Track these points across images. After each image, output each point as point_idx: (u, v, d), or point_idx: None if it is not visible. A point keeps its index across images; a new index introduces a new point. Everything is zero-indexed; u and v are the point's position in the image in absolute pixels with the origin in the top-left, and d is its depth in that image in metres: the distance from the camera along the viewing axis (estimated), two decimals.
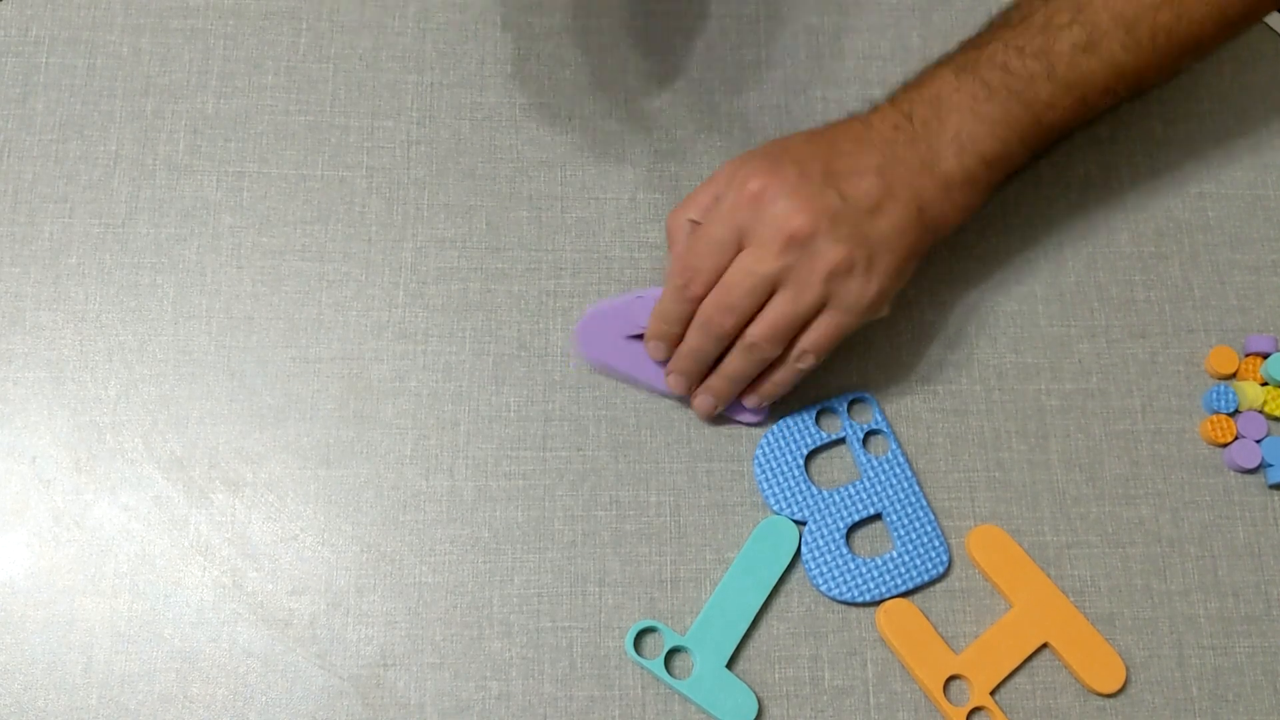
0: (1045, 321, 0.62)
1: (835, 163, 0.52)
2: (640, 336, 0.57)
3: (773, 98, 0.65)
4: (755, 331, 0.53)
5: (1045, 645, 0.56)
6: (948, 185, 0.53)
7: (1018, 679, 0.56)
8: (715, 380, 0.56)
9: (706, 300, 0.53)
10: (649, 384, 0.58)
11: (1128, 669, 0.56)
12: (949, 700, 0.54)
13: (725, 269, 0.52)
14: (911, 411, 0.60)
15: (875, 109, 0.55)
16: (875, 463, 0.58)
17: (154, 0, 0.65)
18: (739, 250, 0.52)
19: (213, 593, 0.55)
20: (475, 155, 0.63)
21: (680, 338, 0.55)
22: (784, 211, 0.51)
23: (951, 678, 0.55)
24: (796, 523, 0.57)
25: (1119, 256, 0.63)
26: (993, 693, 0.55)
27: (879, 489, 0.57)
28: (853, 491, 0.57)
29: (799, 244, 0.51)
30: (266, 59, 0.64)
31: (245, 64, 0.64)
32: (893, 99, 0.55)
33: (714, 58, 0.66)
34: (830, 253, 0.51)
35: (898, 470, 0.58)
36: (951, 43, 0.66)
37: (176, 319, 0.59)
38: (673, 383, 0.57)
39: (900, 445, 0.59)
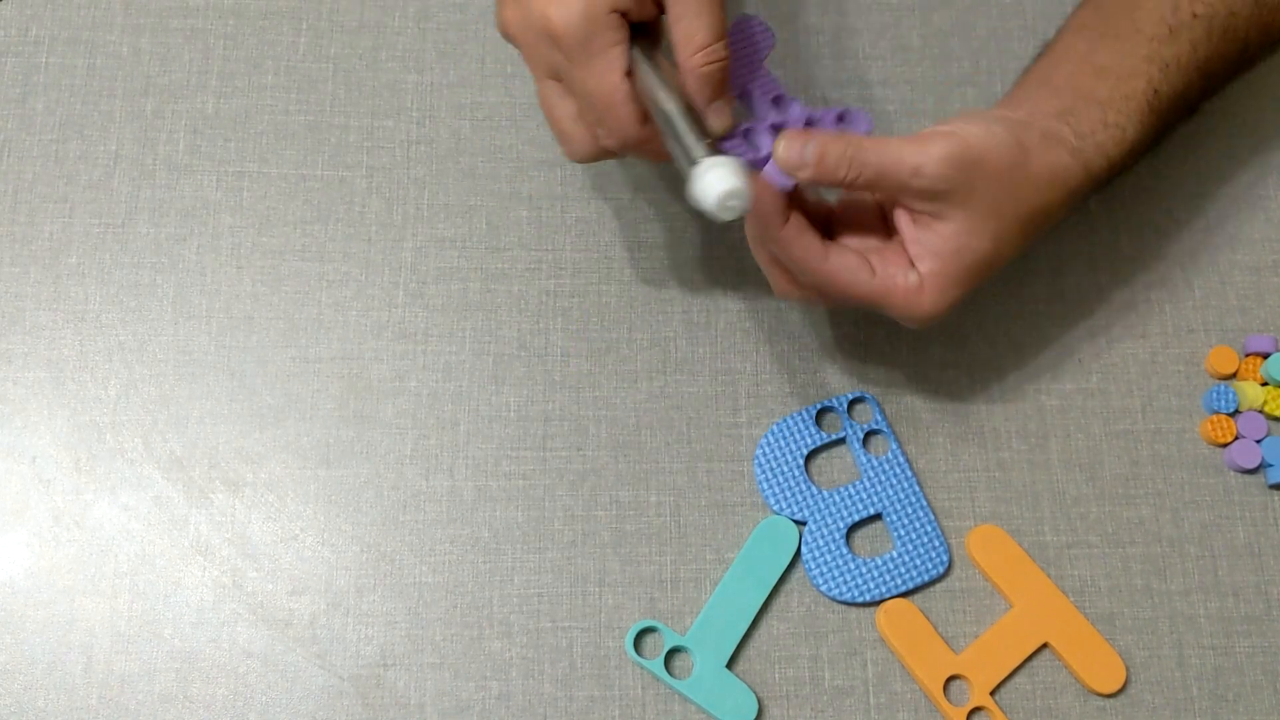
0: (1045, 321, 0.62)
1: (1022, 244, 0.51)
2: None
3: None
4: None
5: (1045, 645, 0.56)
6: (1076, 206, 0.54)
7: (1018, 679, 0.56)
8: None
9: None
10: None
11: (1128, 669, 0.56)
12: (949, 700, 0.54)
13: None
14: (911, 411, 0.60)
15: (1061, 143, 0.51)
16: (875, 463, 0.58)
17: (154, 0, 0.65)
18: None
19: (213, 593, 0.55)
20: (475, 155, 0.63)
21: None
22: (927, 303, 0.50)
23: (951, 678, 0.55)
24: (796, 523, 0.57)
25: (1119, 256, 0.63)
26: (993, 693, 0.55)
27: (879, 489, 0.57)
28: (853, 491, 0.57)
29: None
30: (266, 59, 0.64)
31: (245, 64, 0.64)
32: (1080, 136, 0.51)
33: None
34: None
35: (898, 470, 0.58)
36: (950, 42, 0.66)
37: (176, 319, 0.59)
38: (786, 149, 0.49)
39: (900, 445, 0.59)
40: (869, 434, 0.59)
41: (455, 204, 0.62)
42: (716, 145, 0.46)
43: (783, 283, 0.52)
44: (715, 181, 0.44)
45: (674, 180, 0.63)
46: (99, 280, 0.60)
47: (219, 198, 0.62)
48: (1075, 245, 0.63)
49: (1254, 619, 0.57)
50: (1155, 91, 0.52)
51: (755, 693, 0.54)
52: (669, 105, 0.47)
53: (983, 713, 0.55)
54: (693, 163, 0.45)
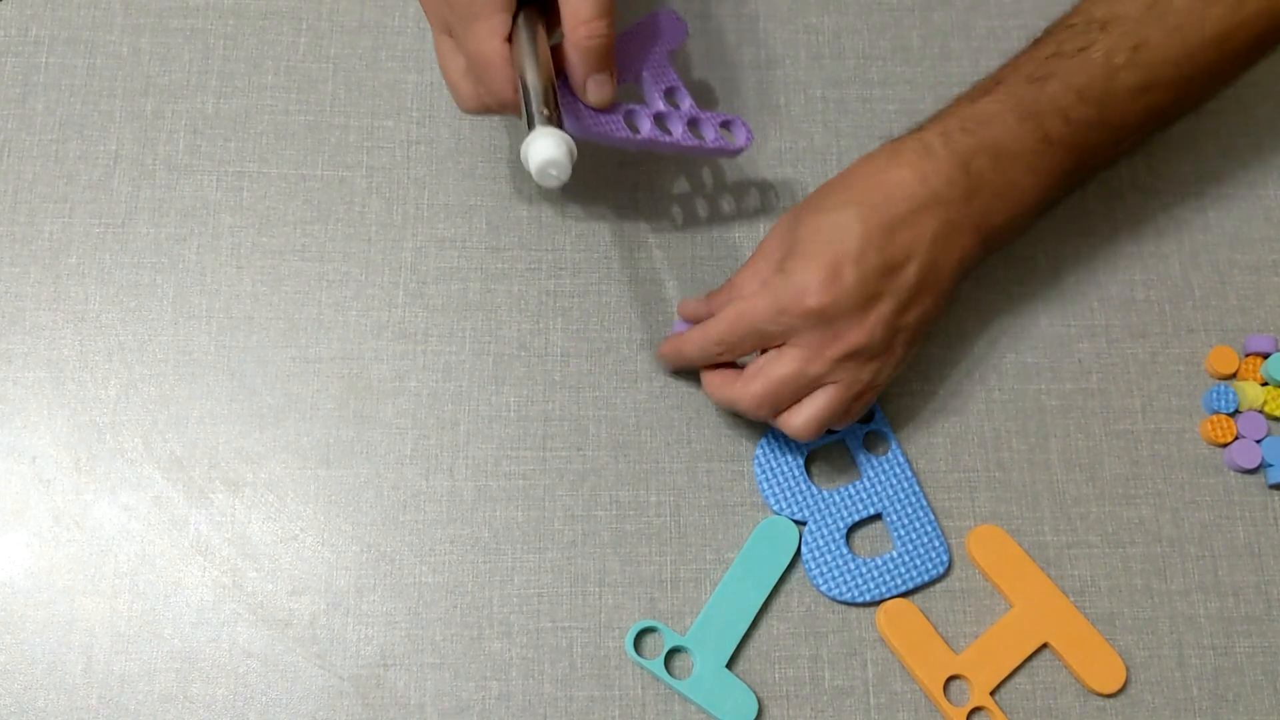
0: (1045, 321, 0.62)
1: (891, 250, 0.50)
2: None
3: (773, 98, 0.65)
4: (792, 418, 0.53)
5: (1045, 645, 0.56)
6: (988, 241, 0.53)
7: (1018, 679, 0.56)
8: (711, 384, 0.56)
9: (748, 368, 0.53)
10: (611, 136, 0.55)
11: (1128, 669, 0.56)
12: (949, 700, 0.54)
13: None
14: (911, 411, 0.60)
15: (929, 149, 0.52)
16: (875, 463, 0.58)
17: (154, 0, 0.65)
18: (778, 343, 0.52)
19: (213, 593, 0.55)
20: (475, 155, 0.63)
21: (681, 368, 0.58)
22: (845, 328, 0.50)
23: (951, 678, 0.55)
24: (796, 523, 0.57)
25: (1119, 256, 0.63)
26: (993, 693, 0.55)
27: (879, 489, 0.57)
28: (853, 491, 0.57)
29: (855, 356, 0.51)
30: (266, 59, 0.64)
31: (245, 64, 0.64)
32: (948, 137, 0.52)
33: (714, 58, 0.66)
34: (881, 354, 0.52)
35: (898, 470, 0.58)
36: (950, 42, 0.66)
37: (176, 319, 0.59)
38: (663, 352, 0.58)
39: (900, 445, 0.59)
40: (869, 434, 0.59)
41: (455, 204, 0.62)
42: (559, 120, 0.49)
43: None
44: (540, 150, 0.47)
45: (674, 180, 0.63)
46: (99, 280, 0.60)
47: (219, 198, 0.62)
48: (1075, 245, 0.63)
49: (1254, 619, 0.57)
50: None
51: (755, 693, 0.54)
52: (527, 75, 0.49)
53: (983, 713, 0.55)
54: (529, 129, 0.48)
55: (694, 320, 0.57)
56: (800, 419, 0.52)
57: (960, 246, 0.52)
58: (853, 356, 0.51)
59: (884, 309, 0.51)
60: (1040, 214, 0.55)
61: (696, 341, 0.55)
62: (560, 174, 0.48)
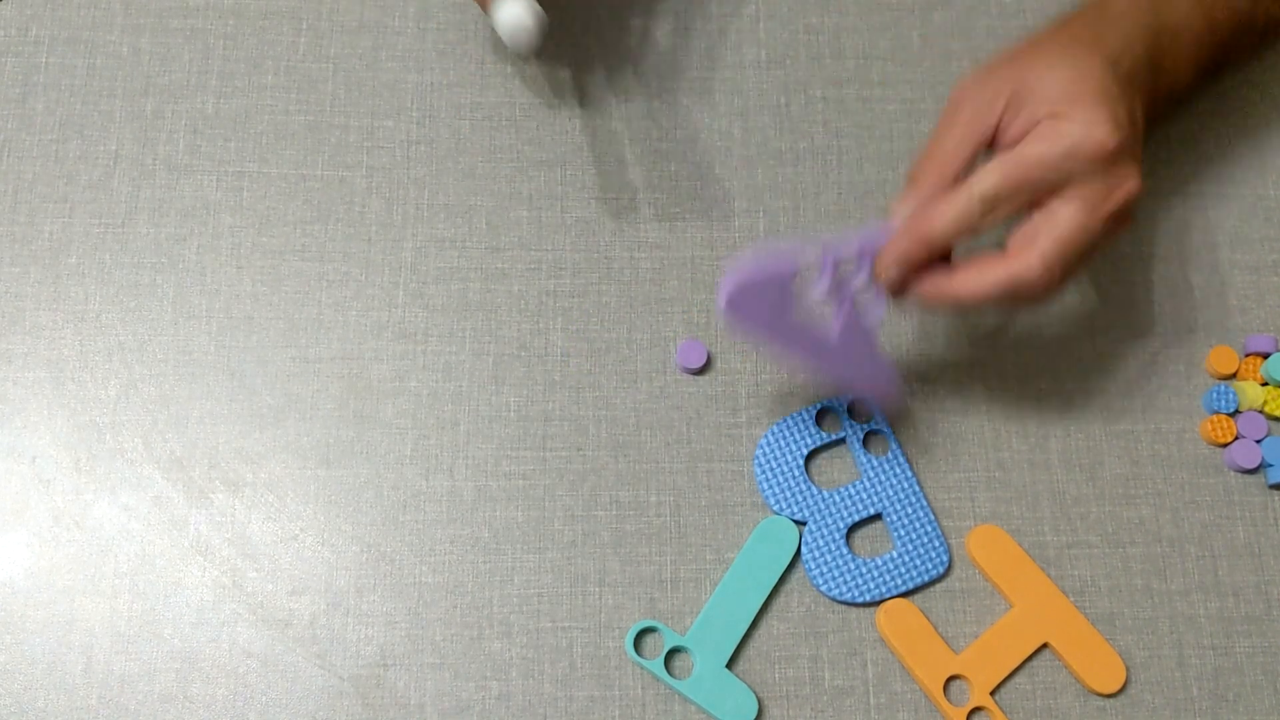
0: (1045, 321, 0.62)
1: (1133, 102, 0.49)
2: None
3: (773, 98, 0.65)
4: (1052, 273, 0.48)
5: (1045, 645, 0.56)
6: (1154, 120, 0.53)
7: (1018, 679, 0.56)
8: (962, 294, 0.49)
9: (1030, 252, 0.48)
10: (799, 356, 0.52)
11: (1128, 669, 0.56)
12: (949, 700, 0.54)
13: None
14: (911, 411, 0.60)
15: (1124, 16, 0.51)
16: (875, 463, 0.58)
17: (154, 0, 0.65)
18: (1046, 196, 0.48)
19: (213, 593, 0.55)
20: (475, 155, 0.63)
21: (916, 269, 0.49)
22: (1128, 175, 0.48)
23: (951, 678, 0.55)
24: (796, 523, 0.57)
25: (1119, 256, 0.63)
26: (993, 693, 0.55)
27: (879, 489, 0.57)
28: (853, 491, 0.57)
29: (1128, 209, 0.48)
30: (266, 59, 0.64)
31: (245, 64, 0.64)
32: (1137, 5, 0.52)
33: (714, 58, 0.66)
34: (1130, 218, 0.49)
35: (898, 470, 0.58)
36: (950, 42, 0.66)
37: (176, 319, 0.59)
38: (891, 264, 0.49)
39: (900, 445, 0.59)
40: (869, 434, 0.59)
41: (455, 204, 0.62)
42: None
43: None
44: (507, 14, 0.53)
45: (674, 180, 0.63)
46: (99, 280, 0.60)
47: (219, 198, 0.62)
48: None
49: (1254, 619, 0.57)
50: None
51: (755, 693, 0.54)
52: None
53: (983, 713, 0.55)
54: None
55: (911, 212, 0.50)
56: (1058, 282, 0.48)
57: (1147, 115, 0.51)
58: (1125, 212, 0.48)
59: (1138, 154, 0.49)
60: (1182, 102, 0.56)
61: (954, 205, 0.47)
62: (530, 38, 0.53)
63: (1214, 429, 0.59)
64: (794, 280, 0.50)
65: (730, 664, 0.55)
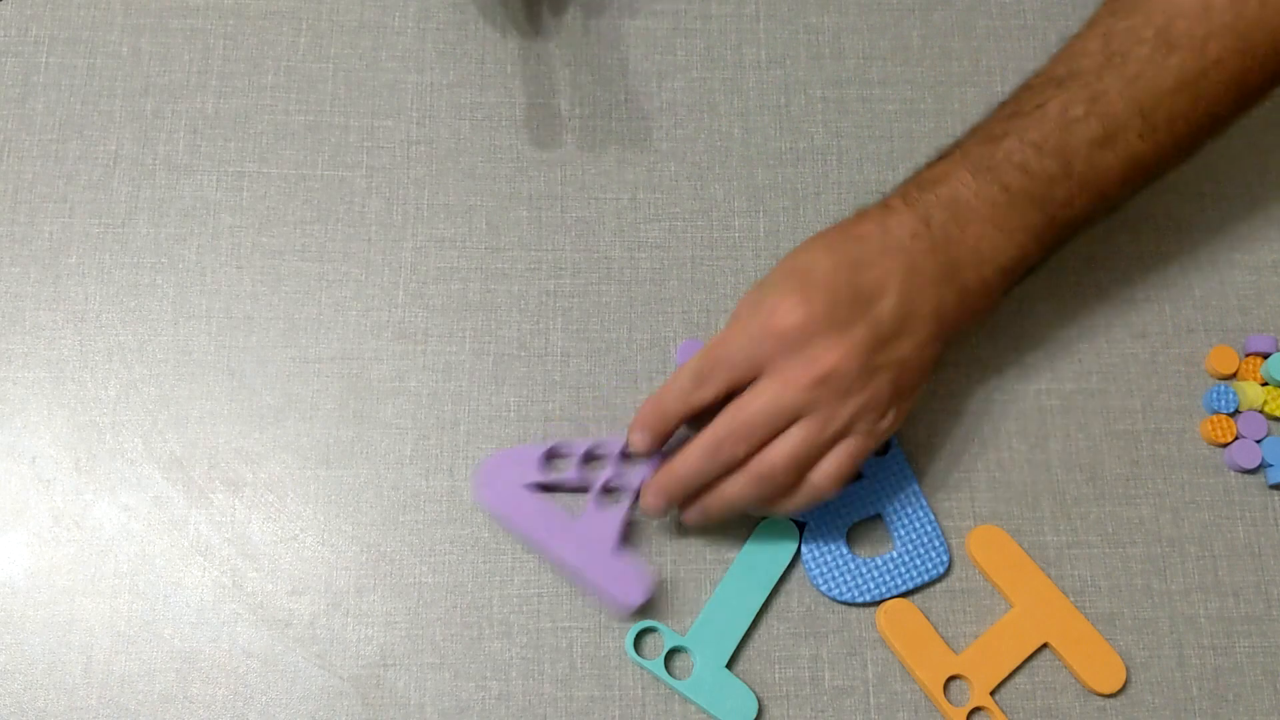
0: (1045, 321, 0.62)
1: (860, 282, 0.50)
2: (540, 486, 0.56)
3: (773, 98, 0.65)
4: (772, 459, 0.50)
5: (1045, 645, 0.56)
6: (964, 295, 0.52)
7: (1018, 679, 0.56)
8: (713, 501, 0.52)
9: (717, 422, 0.51)
10: (540, 544, 0.55)
11: (1128, 669, 0.56)
12: (949, 700, 0.54)
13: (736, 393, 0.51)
14: (912, 411, 0.60)
15: (890, 208, 0.52)
16: (875, 463, 0.58)
17: (154, 0, 0.65)
18: (754, 378, 0.50)
19: (213, 593, 0.55)
20: (475, 155, 0.63)
21: (665, 436, 0.53)
22: (818, 350, 0.49)
23: (951, 678, 0.55)
24: (796, 523, 0.57)
25: (1119, 256, 0.63)
26: (993, 693, 0.55)
27: (879, 489, 0.57)
28: (853, 491, 0.57)
29: (829, 381, 0.49)
30: (266, 59, 0.64)
31: (245, 64, 0.64)
32: (907, 196, 0.52)
33: (714, 58, 0.66)
34: (860, 389, 0.50)
35: (898, 470, 0.58)
36: (950, 42, 0.66)
37: (176, 319, 0.59)
38: (650, 500, 0.53)
39: (900, 445, 0.59)
40: None
41: (455, 204, 0.62)
42: None
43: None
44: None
45: (674, 180, 0.63)
46: (99, 280, 0.60)
47: (219, 198, 0.62)
48: (1075, 245, 0.63)
49: (1254, 619, 0.57)
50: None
51: (755, 693, 0.54)
52: None
53: (983, 713, 0.55)
54: None
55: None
56: (790, 482, 0.51)
57: (934, 295, 0.51)
58: (828, 383, 0.49)
59: (859, 336, 0.49)
60: (1022, 274, 0.54)
61: (672, 389, 0.51)
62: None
63: (1214, 429, 0.59)
64: (545, 463, 0.56)
65: (730, 664, 0.55)
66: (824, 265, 0.50)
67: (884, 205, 0.52)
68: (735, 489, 0.51)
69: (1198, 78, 0.51)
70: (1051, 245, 0.54)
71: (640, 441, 0.52)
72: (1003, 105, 0.54)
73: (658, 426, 0.52)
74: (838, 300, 0.49)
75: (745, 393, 0.50)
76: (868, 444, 0.51)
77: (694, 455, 0.51)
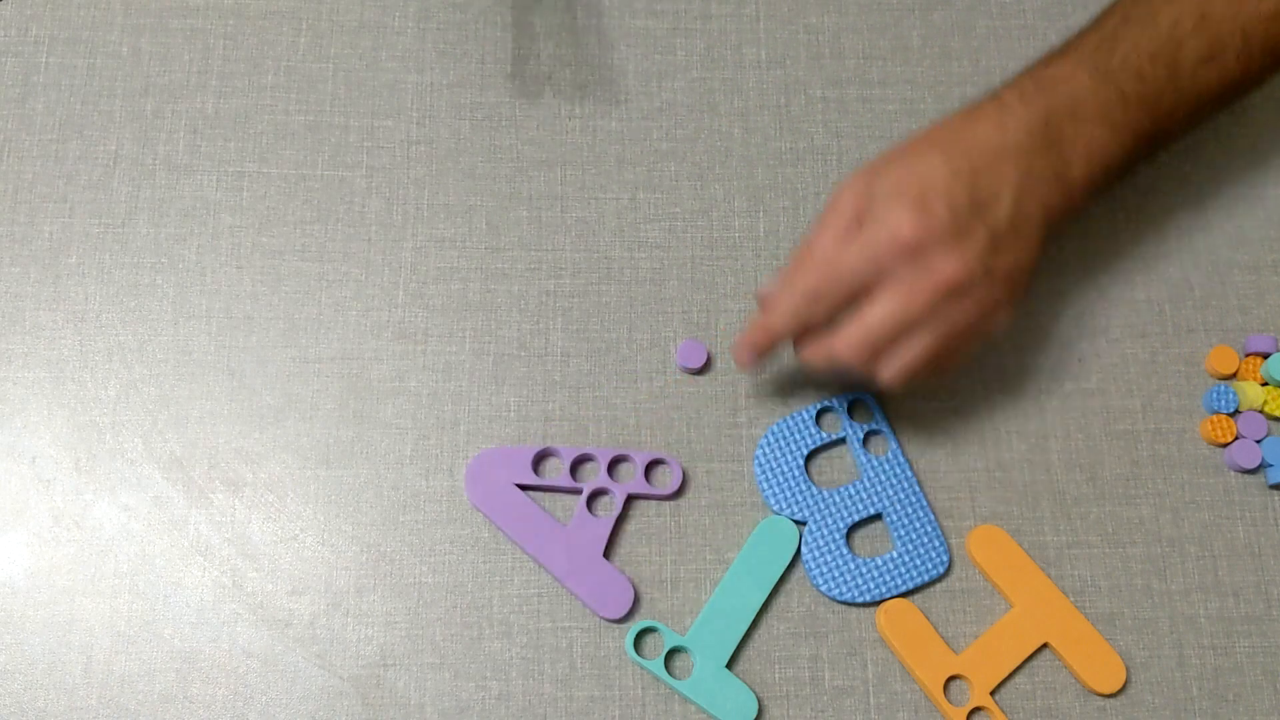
0: (1045, 321, 0.62)
1: (978, 188, 0.50)
2: (529, 487, 0.56)
3: (773, 98, 0.65)
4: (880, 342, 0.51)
5: (1045, 645, 0.56)
6: (1072, 193, 0.53)
7: (1018, 679, 0.56)
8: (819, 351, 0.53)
9: (842, 335, 0.51)
10: (525, 546, 0.56)
11: (1128, 669, 0.56)
12: (949, 700, 0.54)
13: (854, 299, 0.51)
14: (911, 411, 0.60)
15: (1006, 105, 0.52)
16: (875, 463, 0.58)
17: (154, 0, 0.65)
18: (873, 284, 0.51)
19: (213, 593, 0.55)
20: (475, 155, 0.63)
21: (771, 354, 0.54)
22: (938, 260, 0.50)
23: (951, 678, 0.55)
24: (796, 523, 0.57)
25: (1119, 256, 0.63)
26: (993, 693, 0.55)
27: (879, 489, 0.57)
28: (853, 491, 0.57)
29: (950, 290, 0.50)
30: (266, 59, 0.64)
31: (245, 64, 0.64)
32: (1024, 94, 0.53)
33: (714, 58, 0.66)
34: (977, 294, 0.51)
35: (898, 470, 0.58)
36: (950, 42, 0.66)
37: (176, 319, 0.59)
38: (743, 349, 0.54)
39: (900, 445, 0.59)
40: (869, 434, 0.59)
41: (455, 204, 0.62)
42: None
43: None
44: None
45: (674, 180, 0.63)
46: (99, 280, 0.60)
47: (219, 198, 0.62)
48: (1075, 245, 0.63)
49: (1254, 619, 0.57)
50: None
51: (755, 693, 0.54)
52: None
53: (983, 713, 0.55)
54: None
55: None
56: (893, 367, 0.52)
57: (1044, 195, 0.52)
58: (949, 293, 0.50)
59: (977, 243, 0.50)
60: (1121, 175, 0.55)
61: (784, 303, 0.52)
62: None
63: (1214, 429, 0.59)
64: (535, 465, 0.57)
65: (730, 664, 0.55)
66: (941, 174, 0.50)
67: (1000, 102, 0.53)
68: (837, 345, 0.52)
69: None
70: (1149, 152, 0.55)
71: (747, 360, 0.54)
72: (1108, 12, 0.55)
73: (767, 347, 0.54)
74: (956, 210, 0.50)
75: (866, 304, 0.51)
76: (976, 341, 0.53)
77: (793, 314, 0.52)
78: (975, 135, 0.52)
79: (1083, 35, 0.55)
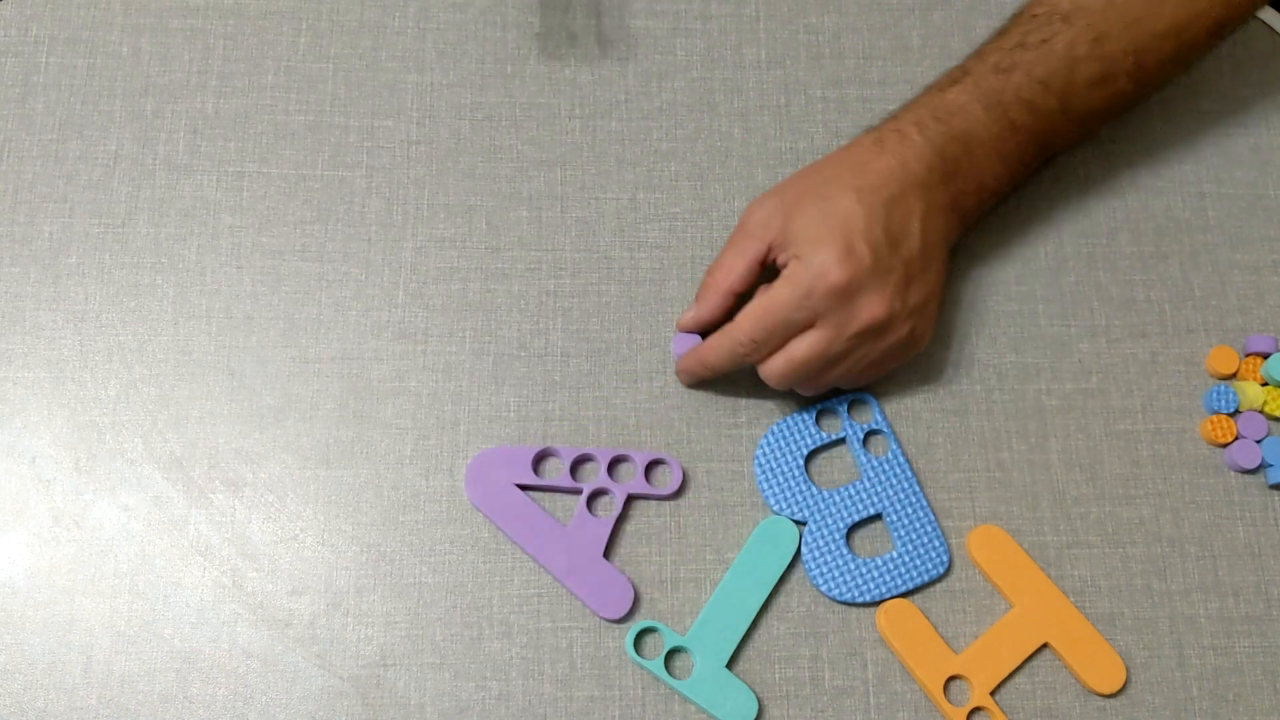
0: (1045, 321, 0.62)
1: (891, 224, 0.53)
2: (529, 487, 0.57)
3: (773, 98, 0.65)
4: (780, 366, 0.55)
5: (1045, 645, 0.56)
6: (965, 220, 0.58)
7: (1018, 679, 0.56)
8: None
9: (766, 367, 0.55)
10: (525, 546, 0.56)
11: (1128, 669, 0.56)
12: (949, 700, 0.54)
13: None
14: (911, 411, 0.60)
15: (906, 138, 0.55)
16: (875, 463, 0.58)
17: (154, 0, 0.65)
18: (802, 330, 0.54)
19: (213, 593, 0.55)
20: (475, 155, 0.63)
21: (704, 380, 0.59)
22: (864, 301, 0.53)
23: (951, 678, 0.55)
24: (796, 523, 0.57)
25: (1119, 256, 0.63)
26: (993, 693, 0.55)
27: (879, 489, 0.57)
28: (853, 491, 0.57)
29: (873, 329, 0.53)
30: (266, 59, 0.64)
31: (245, 64, 0.64)
32: (921, 126, 0.55)
33: (714, 58, 0.66)
34: (894, 333, 0.54)
35: (898, 470, 0.58)
36: (950, 42, 0.66)
37: (176, 319, 0.59)
38: (684, 375, 0.59)
39: (900, 445, 0.59)
40: (869, 434, 0.59)
41: (455, 204, 0.62)
42: None
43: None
44: None
45: (674, 180, 0.63)
46: (99, 280, 0.60)
47: (219, 198, 0.62)
48: (1075, 245, 0.63)
49: (1254, 619, 0.57)
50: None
51: (755, 693, 0.54)
52: None
53: (983, 713, 0.54)
54: None
55: (694, 329, 0.58)
56: (811, 391, 0.57)
57: (944, 225, 0.56)
58: (870, 332, 0.53)
59: (895, 280, 0.53)
60: (1007, 196, 0.60)
61: (723, 347, 0.55)
62: None
63: (1214, 429, 0.59)
64: (535, 465, 0.57)
65: (730, 664, 0.55)
66: (859, 215, 0.53)
67: (899, 134, 0.55)
68: (764, 371, 0.55)
69: (1187, 23, 0.56)
70: (1035, 170, 0.60)
71: (686, 383, 0.59)
72: (1007, 31, 0.57)
73: (702, 375, 0.58)
74: (877, 249, 0.53)
75: (795, 341, 0.54)
76: (891, 366, 0.57)
77: (731, 356, 0.55)
78: (879, 169, 0.54)
79: (981, 55, 0.57)
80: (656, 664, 0.54)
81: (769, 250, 0.55)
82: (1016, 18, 0.57)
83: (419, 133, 0.63)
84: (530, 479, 0.56)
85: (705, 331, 0.57)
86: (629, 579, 0.55)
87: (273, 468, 0.57)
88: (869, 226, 0.53)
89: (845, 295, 0.52)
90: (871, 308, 0.53)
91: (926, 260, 0.54)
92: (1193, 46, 0.57)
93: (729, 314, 0.56)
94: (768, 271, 0.55)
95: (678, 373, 0.59)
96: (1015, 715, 0.55)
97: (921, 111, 0.56)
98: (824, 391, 0.57)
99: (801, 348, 0.53)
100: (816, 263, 0.52)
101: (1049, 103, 0.56)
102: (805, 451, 0.58)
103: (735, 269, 0.56)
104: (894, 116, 0.57)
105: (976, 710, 0.54)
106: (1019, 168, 0.58)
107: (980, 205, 0.58)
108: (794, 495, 0.57)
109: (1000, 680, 0.55)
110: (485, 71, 0.65)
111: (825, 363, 0.54)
